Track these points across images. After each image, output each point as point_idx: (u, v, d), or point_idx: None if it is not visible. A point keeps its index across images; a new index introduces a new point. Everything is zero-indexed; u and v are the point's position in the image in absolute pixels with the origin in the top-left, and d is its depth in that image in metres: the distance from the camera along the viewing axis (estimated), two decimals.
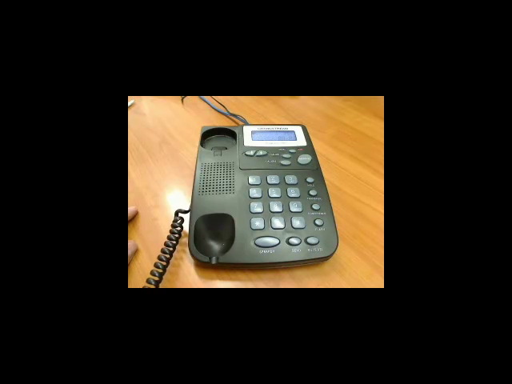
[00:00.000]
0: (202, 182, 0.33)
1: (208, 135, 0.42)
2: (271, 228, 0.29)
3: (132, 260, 0.30)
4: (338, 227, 0.30)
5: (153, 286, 0.25)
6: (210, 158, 0.36)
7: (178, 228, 0.30)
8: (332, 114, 0.55)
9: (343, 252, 0.31)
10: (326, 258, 0.29)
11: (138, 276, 0.29)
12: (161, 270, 0.26)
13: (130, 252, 0.30)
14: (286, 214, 0.30)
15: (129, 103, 0.56)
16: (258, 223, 0.29)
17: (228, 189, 0.32)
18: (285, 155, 0.37)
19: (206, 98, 0.58)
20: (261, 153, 0.37)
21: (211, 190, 0.32)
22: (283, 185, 0.33)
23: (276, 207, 0.31)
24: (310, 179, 0.33)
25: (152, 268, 0.26)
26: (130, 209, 0.34)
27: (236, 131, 0.41)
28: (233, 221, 0.30)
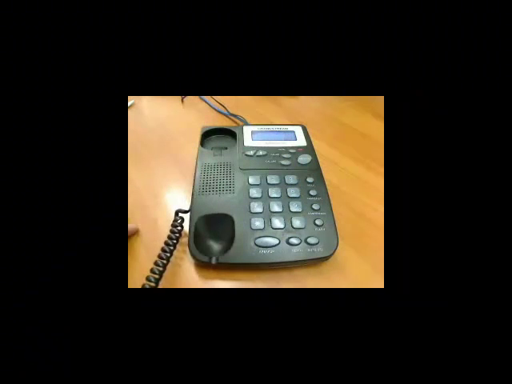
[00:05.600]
0: (202, 181, 0.33)
1: (208, 135, 0.42)
2: (271, 228, 0.29)
3: (131, 259, 0.30)
4: (337, 227, 0.30)
5: (153, 285, 0.25)
6: (210, 158, 0.36)
7: (179, 228, 0.30)
8: (332, 113, 0.55)
9: (343, 252, 0.31)
10: (325, 258, 0.29)
11: (138, 276, 0.28)
12: (161, 269, 0.26)
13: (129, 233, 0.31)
14: (286, 213, 0.30)
15: (129, 103, 0.56)
16: (257, 223, 0.29)
17: (228, 189, 0.32)
18: (285, 155, 0.37)
19: (205, 98, 0.58)
20: (261, 153, 0.37)
21: (211, 189, 0.32)
22: (283, 185, 0.33)
23: (276, 207, 0.31)
24: (310, 179, 0.33)
25: (152, 267, 0.26)
26: (131, 226, 0.32)
27: (236, 131, 0.41)
28: (233, 221, 0.30)
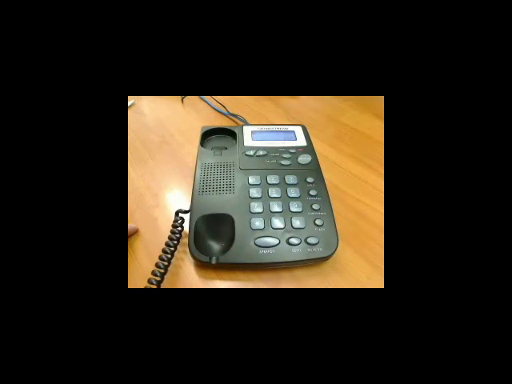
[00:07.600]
0: (201, 181, 0.33)
1: (208, 135, 0.42)
2: (271, 228, 0.29)
3: (131, 259, 0.30)
4: (337, 227, 0.30)
5: (154, 286, 0.25)
6: (210, 158, 0.36)
7: (179, 228, 0.30)
8: (332, 113, 0.55)
9: (343, 252, 0.31)
10: (325, 258, 0.29)
11: (138, 276, 0.29)
12: (162, 270, 0.26)
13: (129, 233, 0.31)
14: (286, 213, 0.30)
15: (129, 103, 0.56)
16: (257, 223, 0.29)
17: (228, 189, 0.32)
18: (285, 155, 0.37)
19: (206, 98, 0.58)
20: (261, 153, 0.37)
21: (211, 189, 0.32)
22: (283, 185, 0.33)
23: (276, 207, 0.31)
24: (310, 179, 0.34)
25: (152, 268, 0.26)
26: (130, 226, 0.32)
27: (236, 131, 0.41)
28: (233, 221, 0.30)
